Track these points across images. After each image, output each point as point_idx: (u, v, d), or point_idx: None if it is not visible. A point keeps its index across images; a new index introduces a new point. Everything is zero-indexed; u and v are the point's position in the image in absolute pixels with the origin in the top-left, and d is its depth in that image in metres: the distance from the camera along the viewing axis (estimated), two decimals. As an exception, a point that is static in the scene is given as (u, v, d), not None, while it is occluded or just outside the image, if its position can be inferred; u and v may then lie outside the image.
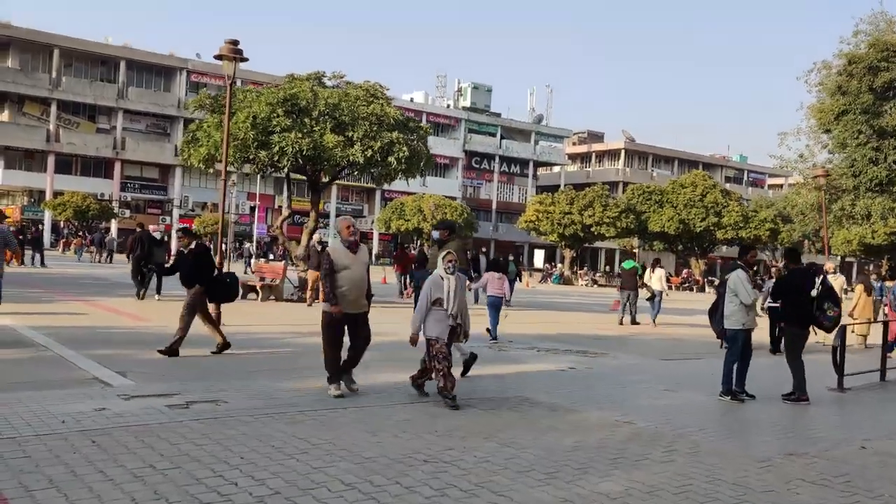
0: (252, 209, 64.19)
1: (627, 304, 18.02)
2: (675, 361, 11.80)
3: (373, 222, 70.23)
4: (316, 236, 18.89)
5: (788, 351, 8.67)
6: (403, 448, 5.72)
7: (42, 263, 28.94)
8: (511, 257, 22.60)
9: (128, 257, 19.20)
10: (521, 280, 22.07)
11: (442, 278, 7.47)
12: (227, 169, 14.86)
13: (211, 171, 20.40)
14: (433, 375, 7.49)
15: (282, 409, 6.76)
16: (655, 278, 18.69)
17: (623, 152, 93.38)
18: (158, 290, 17.41)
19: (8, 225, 11.41)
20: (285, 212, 20.56)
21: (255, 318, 15.03)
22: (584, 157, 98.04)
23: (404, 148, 18.26)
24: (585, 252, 72.84)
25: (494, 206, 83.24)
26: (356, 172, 19.75)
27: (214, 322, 10.35)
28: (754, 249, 9.03)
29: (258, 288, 19.02)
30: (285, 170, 18.00)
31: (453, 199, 67.51)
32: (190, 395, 7.19)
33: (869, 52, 27.63)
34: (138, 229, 18.64)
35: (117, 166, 60.66)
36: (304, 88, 18.21)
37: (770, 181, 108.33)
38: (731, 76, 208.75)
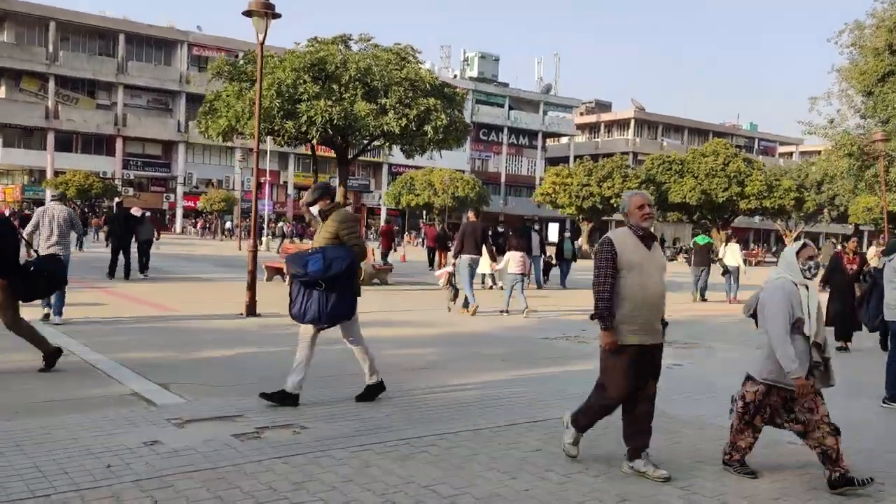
0: (259, 185, 62.66)
1: (700, 279, 17.79)
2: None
3: (380, 197, 68.72)
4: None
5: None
6: (565, 501, 4.31)
7: (80, 246, 26.90)
8: (567, 234, 20.78)
9: (107, 238, 19.30)
10: (575, 260, 20.38)
11: (798, 286, 4.78)
12: (244, 143, 13.36)
13: (230, 143, 18.90)
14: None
15: (377, 437, 5.34)
16: (730, 253, 17.97)
17: (633, 122, 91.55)
18: (143, 270, 17.76)
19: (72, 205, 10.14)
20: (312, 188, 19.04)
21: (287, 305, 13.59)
22: (592, 128, 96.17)
23: (442, 116, 16.73)
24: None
25: (503, 178, 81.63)
26: (387, 143, 18.22)
27: (29, 328, 7.44)
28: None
29: (285, 270, 17.55)
30: (314, 141, 16.49)
31: (462, 172, 65.96)
32: (255, 416, 5.78)
33: (923, 7, 25.92)
34: (115, 209, 19.07)
35: (119, 143, 59.01)
36: (332, 52, 16.65)
37: (781, 149, 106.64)
38: (739, 44, 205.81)
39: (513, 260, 13.20)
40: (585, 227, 51.83)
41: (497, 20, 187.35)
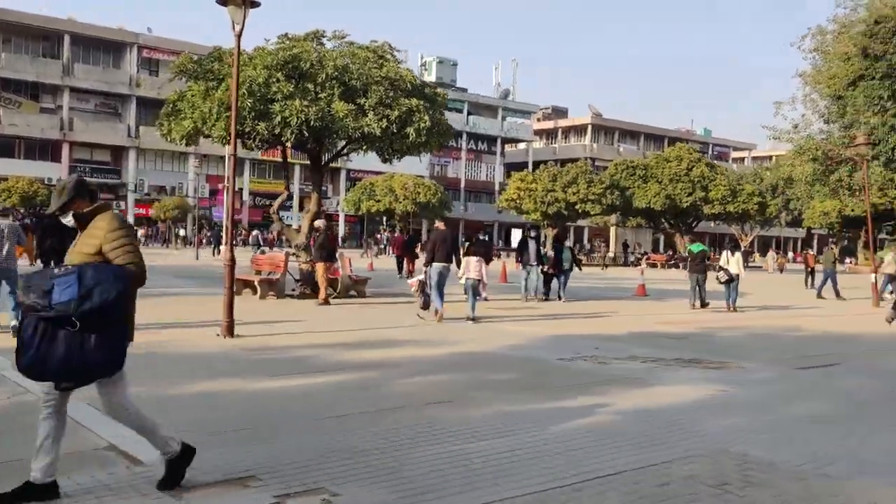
0: (213, 192, 60.83)
1: (697, 287, 17.82)
2: (819, 371, 9.53)
3: (338, 203, 67.28)
4: (319, 222, 16.31)
5: None
6: None
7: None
8: (568, 243, 19.74)
9: (38, 251, 17.93)
10: (580, 268, 19.67)
11: None
12: (198, 148, 12.12)
13: (185, 149, 17.65)
14: None
15: (429, 505, 4.27)
16: (734, 261, 17.83)
17: (590, 127, 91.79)
18: None
19: (14, 218, 10.62)
20: (283, 194, 17.81)
21: (267, 321, 12.39)
22: (549, 134, 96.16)
23: (426, 117, 15.68)
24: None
25: (463, 184, 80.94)
26: (364, 147, 17.11)
27: None
28: None
29: (256, 283, 16.33)
30: (288, 144, 15.27)
31: (422, 177, 64.94)
32: (267, 477, 4.65)
33: (898, 10, 25.63)
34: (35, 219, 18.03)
35: (65, 148, 56.71)
36: (307, 48, 15.49)
37: (734, 154, 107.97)
38: (691, 47, 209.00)
39: (469, 265, 13.47)
40: (550, 233, 51.18)
41: (454, 24, 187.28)
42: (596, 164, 79.11)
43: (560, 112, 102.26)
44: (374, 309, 15.37)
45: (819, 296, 22.54)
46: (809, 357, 10.60)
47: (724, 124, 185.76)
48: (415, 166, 71.95)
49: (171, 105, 16.34)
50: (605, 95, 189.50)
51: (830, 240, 65.67)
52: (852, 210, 56.78)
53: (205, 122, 15.24)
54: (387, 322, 13.04)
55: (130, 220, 59.02)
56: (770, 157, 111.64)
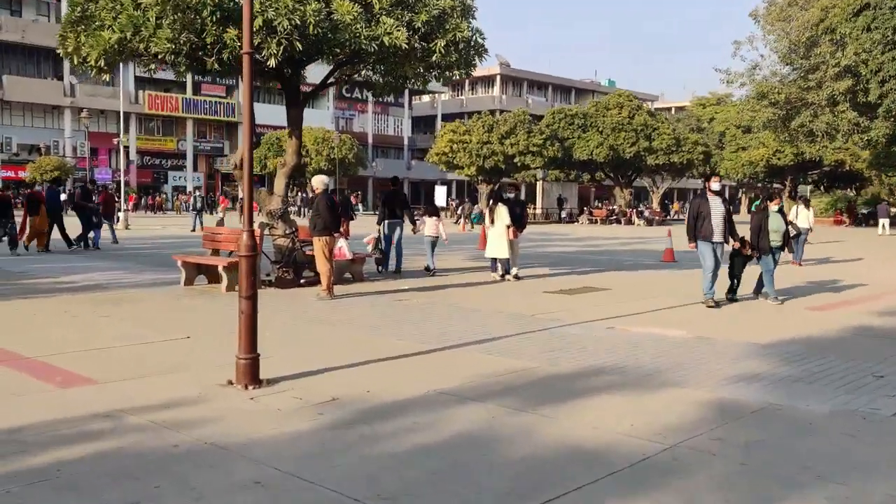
0: (94, 151, 53.29)
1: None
2: None
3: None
4: (317, 179, 11.39)
5: None
6: None
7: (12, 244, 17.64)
8: (779, 204, 11.26)
9: None
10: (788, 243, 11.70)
11: None
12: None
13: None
14: None
15: None
16: (803, 216, 17.82)
17: (498, 78, 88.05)
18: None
19: None
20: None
21: (270, 336, 7.58)
22: (455, 85, 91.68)
23: (463, 25, 10.98)
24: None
25: (370, 139, 75.71)
26: (369, 70, 12.24)
27: None
28: None
29: (220, 269, 11.30)
30: (271, 63, 10.16)
31: (329, 131, 59.36)
32: None
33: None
34: None
35: (-89, 102, 47.98)
36: (290, -81, 10.40)
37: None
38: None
39: (428, 225, 14.71)
40: (485, 189, 47.04)
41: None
42: (504, 116, 75.60)
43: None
44: (403, 300, 10.72)
45: None
46: None
47: (626, 76, 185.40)
48: (319, 119, 66.20)
49: (78, 9, 10.94)
50: (509, 43, 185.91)
51: (754, 191, 63.91)
52: (779, 160, 55.36)
53: (137, 32, 10.01)
54: (457, 325, 8.45)
55: (-3, 184, 50.98)
56: (670, 109, 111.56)
